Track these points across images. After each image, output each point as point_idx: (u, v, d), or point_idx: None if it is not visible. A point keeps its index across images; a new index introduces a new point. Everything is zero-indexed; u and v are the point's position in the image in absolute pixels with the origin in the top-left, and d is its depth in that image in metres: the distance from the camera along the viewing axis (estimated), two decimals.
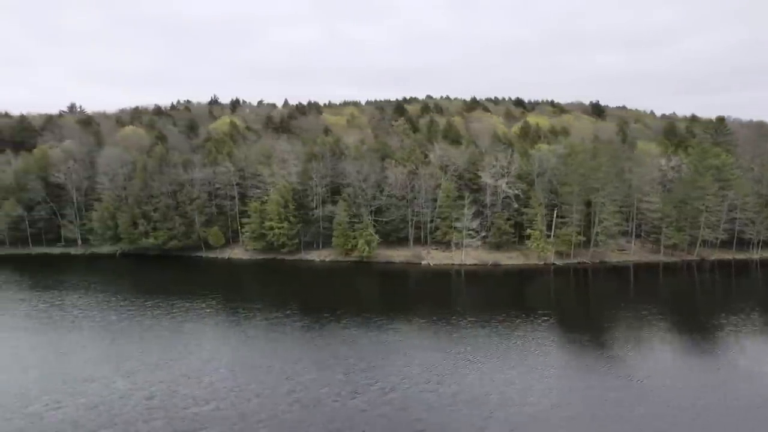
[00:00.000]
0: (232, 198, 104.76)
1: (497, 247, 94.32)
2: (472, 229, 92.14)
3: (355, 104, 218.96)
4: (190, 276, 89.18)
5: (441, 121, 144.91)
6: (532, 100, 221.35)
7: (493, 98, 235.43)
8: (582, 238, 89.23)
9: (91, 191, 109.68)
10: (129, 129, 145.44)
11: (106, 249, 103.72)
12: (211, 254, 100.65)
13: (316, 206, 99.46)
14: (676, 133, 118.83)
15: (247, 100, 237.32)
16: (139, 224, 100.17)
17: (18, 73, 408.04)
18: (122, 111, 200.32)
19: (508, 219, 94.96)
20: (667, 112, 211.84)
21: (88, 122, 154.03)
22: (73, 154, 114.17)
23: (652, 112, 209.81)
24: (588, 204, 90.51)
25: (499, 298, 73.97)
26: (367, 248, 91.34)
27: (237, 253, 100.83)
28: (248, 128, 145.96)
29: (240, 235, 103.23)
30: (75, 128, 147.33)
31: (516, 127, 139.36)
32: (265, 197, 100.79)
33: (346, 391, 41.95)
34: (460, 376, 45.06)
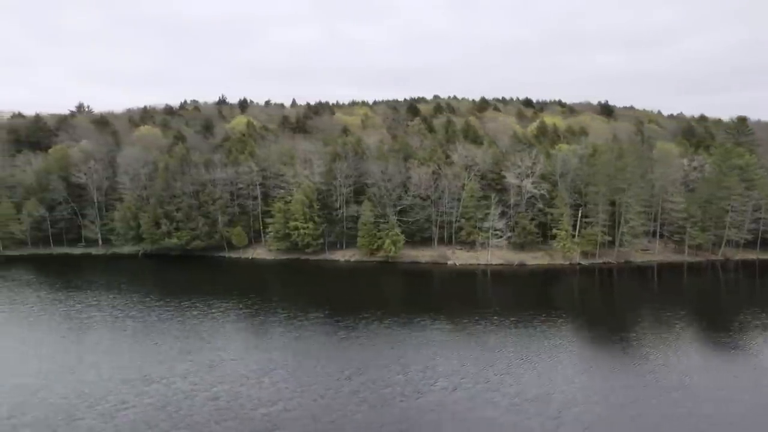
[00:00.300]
0: (255, 198, 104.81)
1: (521, 247, 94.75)
2: (498, 229, 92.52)
3: (364, 104, 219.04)
4: (218, 276, 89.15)
5: (457, 121, 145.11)
6: (540, 100, 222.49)
7: (500, 98, 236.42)
8: (608, 238, 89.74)
9: (111, 191, 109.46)
10: (144, 129, 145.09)
11: (127, 249, 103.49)
12: (234, 254, 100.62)
13: (340, 206, 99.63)
14: (695, 134, 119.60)
15: (254, 100, 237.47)
16: (162, 224, 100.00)
17: (18, 73, 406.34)
18: (130, 111, 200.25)
19: (532, 219, 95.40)
20: (674, 112, 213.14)
21: (102, 122, 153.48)
22: (93, 153, 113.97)
23: (659, 112, 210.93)
24: (612, 204, 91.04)
25: (533, 298, 74.42)
26: (393, 248, 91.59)
27: (260, 253, 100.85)
28: (264, 128, 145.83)
29: (262, 235, 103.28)
30: (89, 128, 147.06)
31: (532, 127, 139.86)
32: (289, 197, 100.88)
33: (409, 390, 42.25)
34: (516, 375, 45.45)
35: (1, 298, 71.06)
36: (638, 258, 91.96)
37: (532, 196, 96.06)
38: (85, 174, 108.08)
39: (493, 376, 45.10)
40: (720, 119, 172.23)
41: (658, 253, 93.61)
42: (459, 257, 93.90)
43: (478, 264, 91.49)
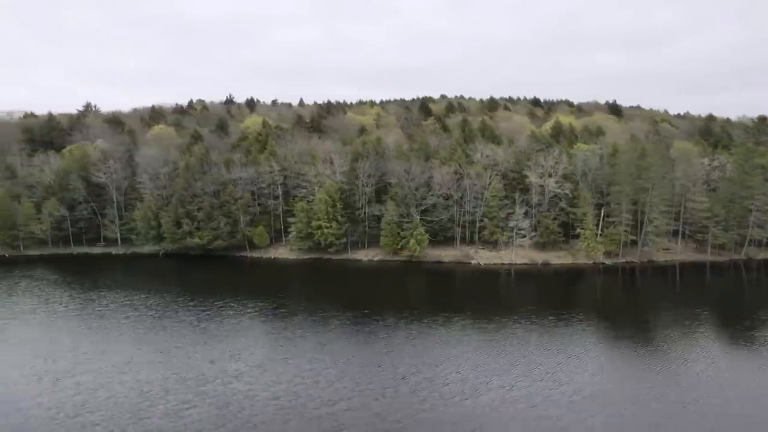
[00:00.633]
0: (276, 197, 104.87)
1: (543, 246, 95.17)
2: (522, 229, 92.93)
3: (374, 103, 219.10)
4: (243, 276, 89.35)
5: (473, 121, 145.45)
6: (546, 100, 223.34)
7: (507, 97, 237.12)
8: (632, 237, 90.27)
9: (130, 191, 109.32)
10: (158, 128, 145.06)
11: (147, 249, 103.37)
12: (256, 254, 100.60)
13: (362, 206, 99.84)
14: (711, 133, 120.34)
15: (261, 100, 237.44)
16: (183, 224, 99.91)
17: (18, 73, 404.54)
18: (136, 110, 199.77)
19: (555, 218, 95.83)
20: (681, 112, 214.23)
21: (115, 121, 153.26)
22: (111, 153, 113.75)
23: (666, 112, 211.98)
24: (634, 203, 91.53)
25: (564, 297, 74.92)
26: (418, 248, 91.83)
27: (281, 252, 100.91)
28: (278, 127, 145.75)
29: (283, 234, 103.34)
30: (102, 128, 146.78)
31: (546, 127, 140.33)
32: (311, 197, 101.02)
33: (468, 389, 42.56)
34: (568, 373, 45.83)
35: (36, 297, 70.96)
36: (661, 257, 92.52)
37: (555, 195, 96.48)
38: (104, 173, 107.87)
39: (545, 374, 45.45)
40: (728, 118, 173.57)
41: (680, 253, 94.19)
42: (482, 257, 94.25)
43: (502, 263, 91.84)
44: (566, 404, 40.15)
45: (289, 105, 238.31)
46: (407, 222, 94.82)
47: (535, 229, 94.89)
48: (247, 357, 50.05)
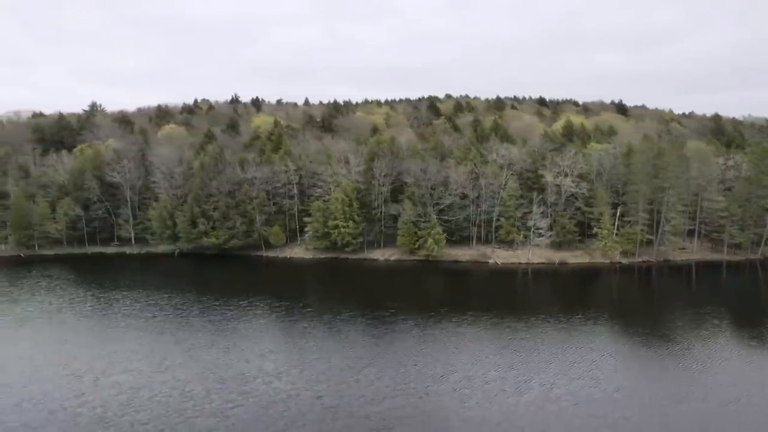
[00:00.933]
0: (291, 197, 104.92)
1: (559, 245, 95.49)
2: (540, 228, 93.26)
3: (381, 103, 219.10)
4: (262, 275, 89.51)
5: (484, 120, 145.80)
6: (551, 99, 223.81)
7: (511, 97, 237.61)
8: (650, 237, 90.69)
9: (144, 190, 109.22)
10: (168, 128, 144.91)
11: (162, 248, 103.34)
12: (272, 253, 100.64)
13: (378, 205, 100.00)
14: (724, 132, 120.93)
15: (266, 99, 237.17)
16: (199, 223, 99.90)
17: (18, 72, 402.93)
18: (141, 110, 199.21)
19: (571, 218, 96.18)
20: (686, 111, 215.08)
21: (124, 121, 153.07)
22: (124, 152, 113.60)
23: (671, 111, 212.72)
24: (651, 202, 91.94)
25: (586, 296, 75.38)
26: (436, 247, 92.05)
27: (297, 252, 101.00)
28: (289, 127, 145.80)
29: (298, 234, 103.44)
30: (112, 127, 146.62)
31: (558, 126, 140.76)
32: (327, 196, 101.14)
33: (510, 387, 42.81)
34: (605, 370, 46.25)
35: (59, 297, 70.90)
36: (677, 257, 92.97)
37: (572, 195, 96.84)
38: (118, 173, 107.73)
39: (583, 372, 45.74)
40: (734, 118, 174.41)
41: (696, 252, 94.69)
42: (499, 256, 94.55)
43: (519, 263, 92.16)
44: (610, 402, 40.45)
45: (295, 104, 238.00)
46: (424, 222, 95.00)
47: (551, 229, 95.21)
48: (281, 356, 50.20)
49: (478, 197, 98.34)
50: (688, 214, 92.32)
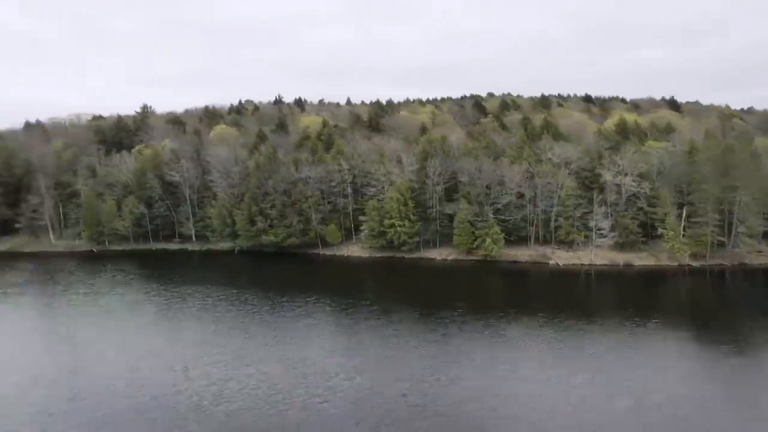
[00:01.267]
0: (346, 196, 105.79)
1: (621, 247, 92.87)
2: (602, 229, 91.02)
3: (423, 102, 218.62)
4: (323, 273, 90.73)
5: (533, 119, 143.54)
6: (598, 96, 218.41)
7: (556, 94, 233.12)
8: (721, 238, 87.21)
9: (203, 189, 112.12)
10: (219, 128, 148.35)
11: (221, 245, 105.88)
12: (328, 252, 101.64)
13: (433, 204, 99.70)
14: None
15: (308, 99, 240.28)
16: (257, 221, 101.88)
17: (68, 76, 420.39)
18: (188, 111, 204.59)
19: (633, 218, 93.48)
20: (744, 107, 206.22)
21: (177, 122, 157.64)
22: (181, 152, 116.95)
23: (727, 106, 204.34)
24: (721, 203, 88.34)
25: (657, 300, 72.97)
26: (494, 247, 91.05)
27: (354, 250, 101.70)
28: (336, 126, 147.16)
29: (353, 232, 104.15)
30: (165, 128, 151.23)
31: (610, 123, 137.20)
32: (381, 195, 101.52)
33: (601, 393, 41.93)
34: (703, 378, 44.59)
35: (135, 290, 74.02)
36: (754, 260, 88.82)
37: (633, 194, 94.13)
38: (177, 172, 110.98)
39: (680, 378, 44.34)
40: None
41: None
42: (560, 257, 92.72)
43: (582, 264, 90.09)
44: (694, 406, 39.04)
45: (338, 104, 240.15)
46: (481, 221, 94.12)
47: (613, 230, 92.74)
48: (357, 353, 50.63)
49: (534, 196, 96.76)
50: (763, 214, 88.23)
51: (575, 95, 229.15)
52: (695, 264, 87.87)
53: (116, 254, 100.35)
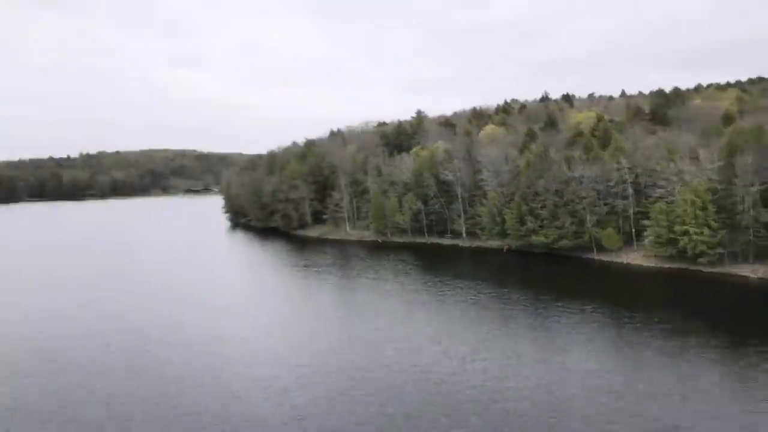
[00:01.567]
0: (625, 197, 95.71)
1: None
2: None
3: (720, 87, 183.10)
4: (598, 280, 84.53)
5: None
6: None
7: None
8: None
9: (473, 188, 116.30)
10: (489, 128, 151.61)
11: (490, 243, 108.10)
12: (605, 257, 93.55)
13: (744, 210, 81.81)
14: None
15: (575, 94, 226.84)
16: (527, 221, 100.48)
17: (357, 90, 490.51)
18: (456, 113, 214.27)
19: None
20: None
21: (448, 124, 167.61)
22: (453, 153, 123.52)
23: None
24: None
25: None
26: None
27: (635, 258, 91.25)
28: (612, 121, 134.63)
29: (635, 238, 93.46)
30: (438, 130, 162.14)
31: None
32: (670, 197, 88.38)
33: None
34: None
35: (414, 280, 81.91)
36: None
37: None
38: (450, 172, 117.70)
39: None
40: None
41: None
42: None
43: None
44: None
45: (610, 97, 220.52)
46: None
47: None
48: (650, 374, 44.60)
49: None
50: None
51: None
52: None
53: (397, 245, 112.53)
